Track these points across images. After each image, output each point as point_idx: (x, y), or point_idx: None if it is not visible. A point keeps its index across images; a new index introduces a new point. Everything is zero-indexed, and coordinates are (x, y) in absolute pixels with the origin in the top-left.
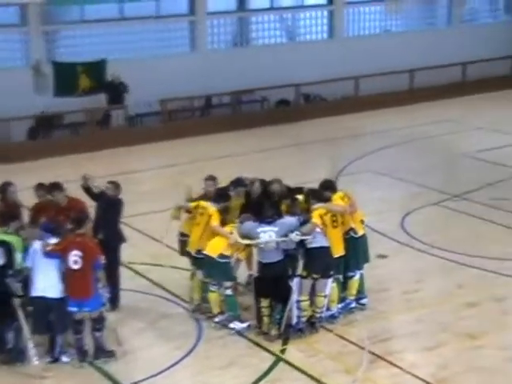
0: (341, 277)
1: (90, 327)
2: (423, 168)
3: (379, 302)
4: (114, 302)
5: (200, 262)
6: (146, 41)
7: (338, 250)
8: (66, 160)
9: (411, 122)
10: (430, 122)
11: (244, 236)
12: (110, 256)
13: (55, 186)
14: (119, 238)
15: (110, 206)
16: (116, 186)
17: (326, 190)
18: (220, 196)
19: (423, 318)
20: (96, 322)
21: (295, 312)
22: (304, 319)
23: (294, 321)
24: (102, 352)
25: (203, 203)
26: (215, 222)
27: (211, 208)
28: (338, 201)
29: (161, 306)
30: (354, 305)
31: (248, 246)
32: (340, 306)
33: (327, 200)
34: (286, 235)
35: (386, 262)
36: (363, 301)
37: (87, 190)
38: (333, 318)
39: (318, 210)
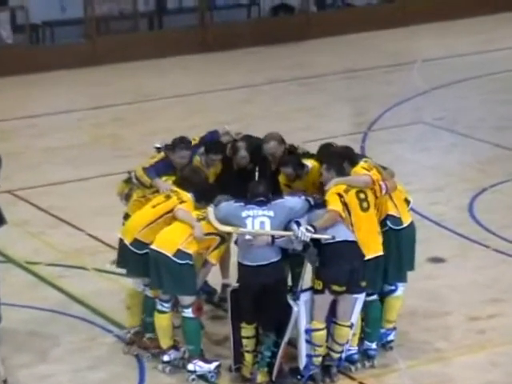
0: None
1: None
2: (506, 119)
3: (432, 333)
4: None
5: (135, 258)
6: None
7: (373, 248)
8: None
9: (488, 45)
10: None
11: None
12: None
13: None
14: None
15: None
16: None
17: (342, 160)
18: (205, 193)
19: (502, 359)
20: None
21: (303, 348)
22: (317, 361)
23: (303, 363)
24: None
25: (177, 189)
26: (186, 208)
27: (186, 195)
28: (360, 171)
29: (79, 333)
30: (392, 336)
31: (223, 240)
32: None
33: (343, 175)
34: (286, 226)
35: (442, 269)
36: (390, 336)
37: None
38: (350, 361)
39: (335, 187)
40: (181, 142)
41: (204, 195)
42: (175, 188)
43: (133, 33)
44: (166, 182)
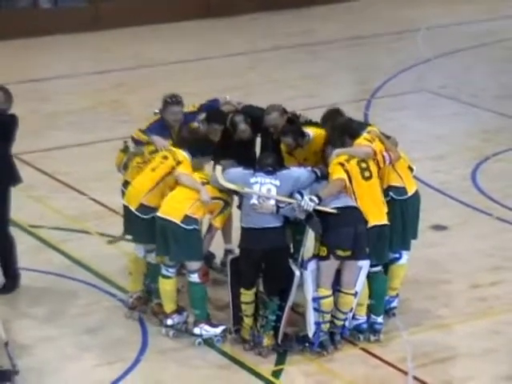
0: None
1: None
2: (510, 88)
3: (434, 300)
4: (9, 278)
5: (142, 224)
6: None
7: (377, 216)
8: None
9: (493, 13)
10: None
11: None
12: None
13: None
14: (10, 176)
15: None
16: (5, 93)
17: (342, 134)
18: (200, 146)
19: (504, 327)
20: None
21: (312, 316)
22: (326, 327)
23: (312, 330)
24: None
25: (172, 147)
26: (184, 169)
27: (182, 154)
28: (362, 142)
29: (83, 297)
30: (395, 303)
31: (227, 205)
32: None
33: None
34: (291, 195)
35: (445, 237)
36: (393, 303)
37: None
38: (359, 330)
39: (337, 158)
40: (171, 98)
41: (198, 147)
42: (171, 146)
43: None
44: (162, 139)
